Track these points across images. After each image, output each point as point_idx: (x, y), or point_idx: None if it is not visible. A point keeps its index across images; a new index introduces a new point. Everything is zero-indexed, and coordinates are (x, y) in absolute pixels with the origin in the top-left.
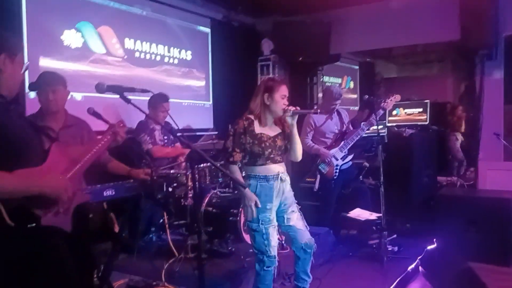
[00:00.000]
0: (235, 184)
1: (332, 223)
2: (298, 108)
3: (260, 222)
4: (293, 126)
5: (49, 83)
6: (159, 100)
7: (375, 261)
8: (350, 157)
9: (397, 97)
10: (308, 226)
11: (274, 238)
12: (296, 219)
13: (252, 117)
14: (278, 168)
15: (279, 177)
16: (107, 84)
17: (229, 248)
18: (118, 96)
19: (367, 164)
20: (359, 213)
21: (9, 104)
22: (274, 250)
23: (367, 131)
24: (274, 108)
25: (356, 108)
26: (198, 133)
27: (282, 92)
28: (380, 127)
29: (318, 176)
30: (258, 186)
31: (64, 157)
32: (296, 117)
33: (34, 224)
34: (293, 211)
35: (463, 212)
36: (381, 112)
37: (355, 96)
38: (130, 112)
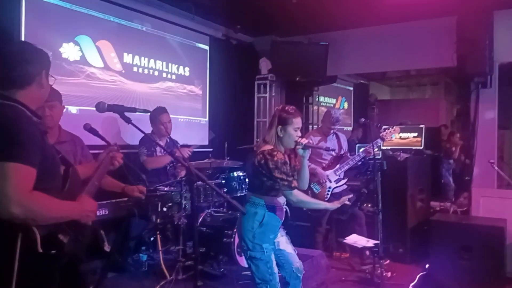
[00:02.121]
0: (235, 207)
1: (324, 246)
2: (311, 141)
3: (265, 251)
4: (304, 158)
5: (46, 98)
6: (156, 114)
7: (369, 286)
8: (343, 181)
9: (397, 129)
10: (296, 250)
11: (275, 266)
12: (284, 243)
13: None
14: (283, 200)
15: (283, 207)
16: (107, 104)
17: (221, 269)
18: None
19: (365, 191)
20: (356, 239)
21: (42, 125)
22: (277, 278)
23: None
24: (287, 140)
25: (350, 128)
26: (195, 150)
27: (296, 125)
28: (375, 149)
29: (309, 196)
30: (266, 215)
31: (79, 181)
32: (308, 150)
33: (55, 251)
34: (282, 235)
35: (456, 239)
36: (379, 141)
37: (349, 117)
38: (129, 125)
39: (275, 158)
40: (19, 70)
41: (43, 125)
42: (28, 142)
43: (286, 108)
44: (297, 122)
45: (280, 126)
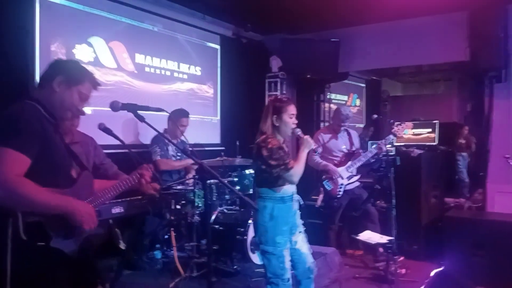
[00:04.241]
0: (248, 204)
1: (337, 243)
2: (308, 137)
3: (277, 245)
4: (302, 151)
5: None
6: (179, 115)
7: (383, 283)
8: (356, 177)
9: (409, 125)
10: (311, 249)
11: (288, 261)
12: (301, 242)
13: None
14: (292, 189)
15: (293, 198)
16: (122, 103)
17: (235, 267)
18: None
19: (378, 187)
20: (370, 236)
21: (57, 126)
22: (289, 273)
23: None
24: (284, 128)
25: (362, 125)
26: (207, 148)
27: (291, 112)
28: (388, 146)
29: (322, 193)
30: (275, 208)
31: (89, 186)
32: (306, 144)
33: (43, 243)
34: (300, 232)
35: (471, 235)
36: (391, 137)
37: (361, 114)
38: (143, 125)
39: (269, 145)
40: (43, 74)
41: (62, 127)
42: (26, 133)
43: (279, 97)
44: (291, 109)
45: (275, 116)
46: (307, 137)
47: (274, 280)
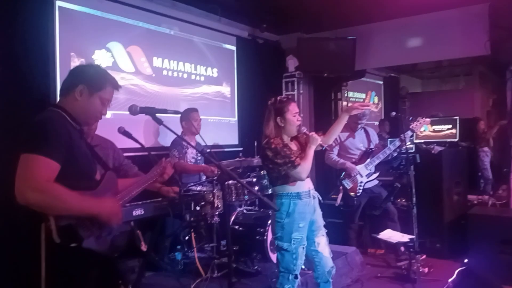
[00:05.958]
0: (268, 204)
1: (358, 243)
2: (313, 133)
3: (292, 242)
4: (309, 148)
5: None
6: (189, 112)
7: (405, 282)
8: (375, 175)
9: (427, 121)
10: (331, 253)
11: (302, 258)
12: (323, 245)
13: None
14: (308, 185)
15: (310, 194)
16: (140, 106)
17: (255, 267)
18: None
19: (399, 185)
20: (391, 235)
21: (81, 132)
22: (299, 270)
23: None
24: (289, 127)
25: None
26: (225, 149)
27: (294, 111)
28: (408, 143)
29: (341, 192)
30: (291, 204)
31: (113, 186)
32: (316, 138)
33: (76, 244)
34: (323, 235)
35: (496, 233)
36: (410, 133)
37: (379, 112)
38: (162, 128)
39: (273, 146)
40: (65, 82)
41: (85, 132)
42: (54, 139)
43: (278, 98)
44: (293, 107)
45: (279, 117)
46: (312, 133)
47: (285, 274)
